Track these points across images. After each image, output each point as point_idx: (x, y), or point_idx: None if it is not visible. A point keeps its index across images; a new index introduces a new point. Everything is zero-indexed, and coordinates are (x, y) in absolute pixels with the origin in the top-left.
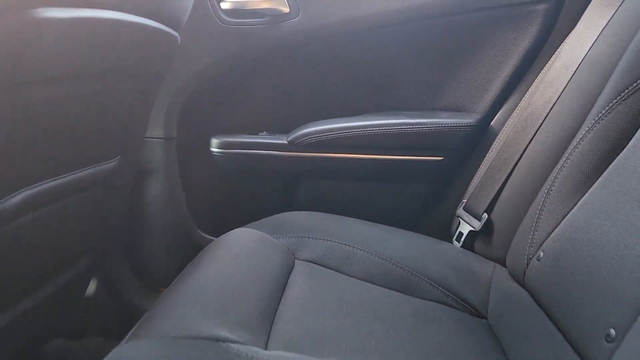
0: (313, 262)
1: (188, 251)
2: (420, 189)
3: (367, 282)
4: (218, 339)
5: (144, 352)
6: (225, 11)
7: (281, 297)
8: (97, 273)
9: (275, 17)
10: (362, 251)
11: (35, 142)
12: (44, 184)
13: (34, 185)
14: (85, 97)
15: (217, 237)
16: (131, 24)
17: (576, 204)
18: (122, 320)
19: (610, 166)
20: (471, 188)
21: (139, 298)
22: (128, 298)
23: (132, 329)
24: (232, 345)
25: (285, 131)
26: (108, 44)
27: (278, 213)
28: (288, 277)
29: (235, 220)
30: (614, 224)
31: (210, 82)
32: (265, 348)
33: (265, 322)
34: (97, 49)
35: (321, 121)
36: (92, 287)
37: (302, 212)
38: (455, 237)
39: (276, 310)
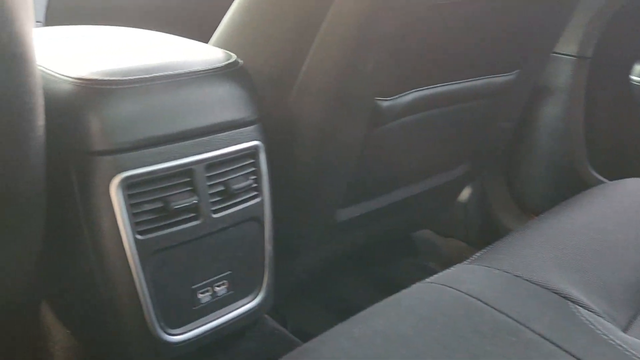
0: None
1: (571, 186)
2: None
3: None
4: (568, 297)
5: (478, 278)
6: None
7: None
8: (472, 182)
9: None
10: None
11: (432, 49)
12: (435, 87)
13: (425, 88)
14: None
15: (607, 176)
16: None
17: None
18: (485, 232)
19: None
20: None
21: (506, 217)
22: (496, 214)
23: (478, 253)
24: (584, 310)
25: None
26: None
27: None
28: None
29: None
30: None
31: None
32: (625, 331)
33: (630, 300)
34: None
35: None
36: (465, 193)
37: None
38: None
39: None
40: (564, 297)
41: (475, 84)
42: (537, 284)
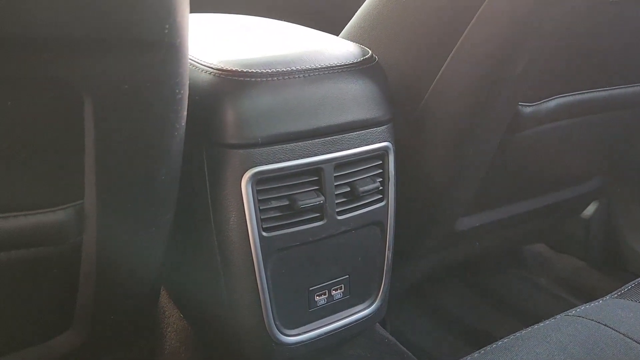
0: None
1: None
2: None
3: None
4: None
5: (632, 315)
6: None
7: None
8: (600, 196)
9: None
10: None
11: (587, 51)
12: (582, 94)
13: (571, 94)
14: None
15: None
16: None
17: None
18: (607, 253)
19: None
20: None
21: (637, 239)
22: (624, 234)
23: (628, 285)
24: None
25: None
26: None
27: None
28: None
29: None
30: None
31: None
32: None
33: None
34: None
35: None
36: (589, 208)
37: None
38: None
39: None
40: None
41: (625, 92)
42: None
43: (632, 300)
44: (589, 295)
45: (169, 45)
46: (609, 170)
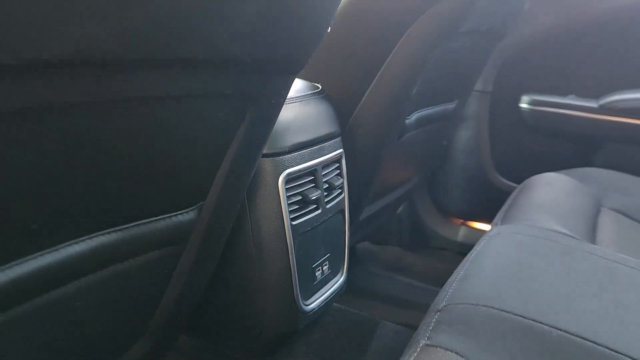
0: (618, 212)
1: (483, 188)
2: None
3: None
4: (558, 232)
5: (519, 230)
6: None
7: (594, 238)
8: (412, 195)
9: None
10: None
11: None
12: (426, 110)
13: (422, 110)
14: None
15: (511, 180)
16: None
17: None
18: (415, 237)
19: None
20: None
21: (432, 221)
22: (423, 220)
23: (496, 217)
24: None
25: (591, 96)
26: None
27: (571, 169)
28: (596, 222)
29: (531, 168)
30: None
31: (526, 48)
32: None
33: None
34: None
35: (637, 89)
36: (400, 207)
37: (603, 169)
38: None
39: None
40: (559, 232)
41: (446, 108)
42: (545, 228)
43: None
44: (410, 271)
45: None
46: (422, 171)
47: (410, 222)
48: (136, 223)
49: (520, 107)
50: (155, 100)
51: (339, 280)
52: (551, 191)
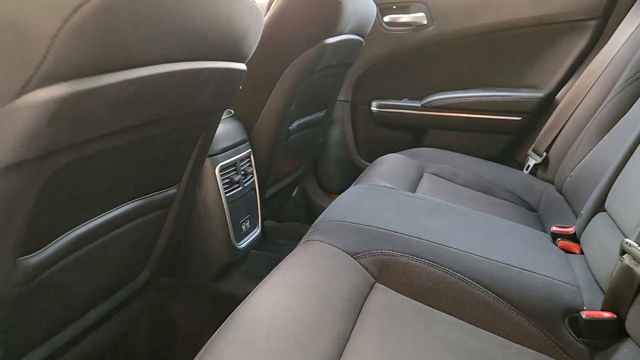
0: (435, 175)
1: (351, 169)
2: (504, 138)
3: (469, 188)
4: (387, 187)
5: (362, 187)
6: (387, 22)
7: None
8: (297, 184)
9: (417, 26)
10: (465, 172)
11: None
12: (305, 117)
13: (302, 118)
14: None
15: (369, 161)
16: None
17: (596, 144)
18: (308, 212)
19: (617, 122)
20: (538, 137)
21: (318, 198)
22: (312, 198)
23: (353, 183)
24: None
25: (417, 98)
26: None
27: (406, 150)
28: (418, 182)
29: (382, 152)
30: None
31: (375, 66)
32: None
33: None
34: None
35: (445, 92)
36: (295, 190)
37: (428, 148)
38: (525, 168)
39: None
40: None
41: (318, 115)
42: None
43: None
44: None
45: None
46: (308, 162)
47: (302, 201)
48: (142, 197)
49: (372, 110)
50: (152, 136)
51: (256, 232)
52: (388, 165)
